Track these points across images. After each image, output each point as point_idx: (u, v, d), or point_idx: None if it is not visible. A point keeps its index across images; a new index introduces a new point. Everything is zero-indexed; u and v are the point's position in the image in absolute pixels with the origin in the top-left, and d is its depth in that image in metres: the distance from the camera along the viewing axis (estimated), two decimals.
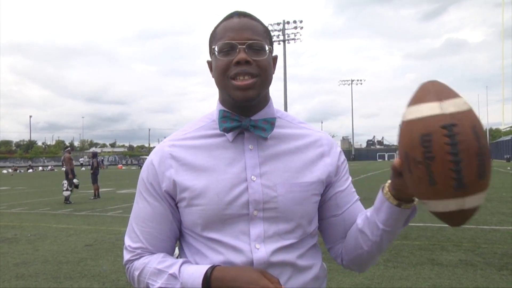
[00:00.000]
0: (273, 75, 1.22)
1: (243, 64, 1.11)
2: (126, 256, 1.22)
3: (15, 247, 7.07)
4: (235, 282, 1.03)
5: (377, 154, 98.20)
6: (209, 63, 1.23)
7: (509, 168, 32.91)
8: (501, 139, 69.57)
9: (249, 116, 1.19)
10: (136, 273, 1.17)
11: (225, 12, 1.23)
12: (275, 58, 1.25)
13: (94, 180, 15.42)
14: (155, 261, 1.15)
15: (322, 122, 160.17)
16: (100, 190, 15.81)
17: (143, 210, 1.22)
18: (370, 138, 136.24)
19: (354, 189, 1.30)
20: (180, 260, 1.15)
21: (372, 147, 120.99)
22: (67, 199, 13.95)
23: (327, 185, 1.24)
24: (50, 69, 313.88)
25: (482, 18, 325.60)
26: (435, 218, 0.94)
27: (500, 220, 8.55)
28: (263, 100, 1.21)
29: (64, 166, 14.77)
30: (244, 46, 1.12)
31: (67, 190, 14.00)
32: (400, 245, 6.43)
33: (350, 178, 1.30)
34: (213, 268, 1.07)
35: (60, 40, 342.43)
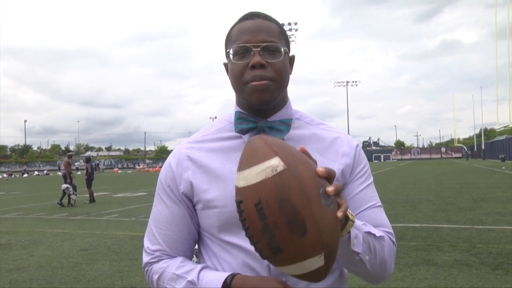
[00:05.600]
0: (290, 75, 1.21)
1: (258, 68, 1.10)
2: (145, 258, 1.22)
3: (9, 253, 7.02)
4: None
5: (373, 155, 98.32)
6: (225, 65, 1.22)
7: (504, 167, 33.03)
8: (496, 139, 69.88)
9: (266, 117, 1.18)
10: (155, 276, 1.17)
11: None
12: (292, 58, 1.23)
13: (89, 184, 15.45)
14: (174, 266, 1.15)
15: None
16: (95, 194, 15.79)
17: (161, 212, 1.22)
18: (366, 139, 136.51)
19: (374, 194, 1.23)
20: (199, 266, 1.13)
21: (368, 148, 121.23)
22: (69, 202, 14.41)
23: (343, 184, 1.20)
24: (44, 72, 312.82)
25: (475, 18, 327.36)
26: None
27: (495, 219, 8.57)
28: (281, 101, 1.19)
29: (62, 170, 14.94)
30: (259, 49, 1.10)
31: (74, 194, 14.48)
32: None
33: (368, 181, 1.23)
34: (233, 276, 1.05)
35: (54, 44, 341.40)
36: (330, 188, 0.86)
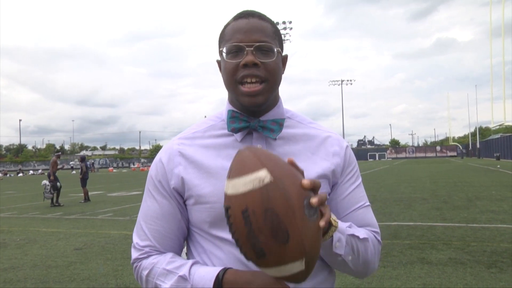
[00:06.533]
0: (282, 75, 1.22)
1: (251, 67, 1.11)
2: (134, 254, 1.21)
3: (4, 252, 6.99)
4: (249, 285, 1.00)
5: (368, 154, 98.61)
6: (218, 62, 1.22)
7: (498, 166, 33.22)
8: (490, 137, 70.29)
9: (258, 116, 1.19)
10: (145, 272, 1.17)
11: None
12: (285, 57, 1.25)
13: (84, 184, 15.42)
14: (164, 261, 1.14)
15: None
16: (90, 193, 15.75)
17: (151, 208, 1.22)
18: (361, 138, 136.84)
19: (362, 193, 1.26)
20: (190, 261, 1.13)
21: (363, 147, 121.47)
22: (48, 199, 14.20)
23: (333, 185, 1.23)
24: (39, 72, 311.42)
25: (470, 17, 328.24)
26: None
27: (489, 218, 8.61)
28: (272, 101, 1.20)
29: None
30: (252, 48, 1.11)
31: (49, 193, 14.19)
32: (390, 245, 6.45)
33: (358, 182, 1.26)
34: (225, 270, 1.05)
35: (48, 43, 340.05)
36: (314, 200, 0.89)
